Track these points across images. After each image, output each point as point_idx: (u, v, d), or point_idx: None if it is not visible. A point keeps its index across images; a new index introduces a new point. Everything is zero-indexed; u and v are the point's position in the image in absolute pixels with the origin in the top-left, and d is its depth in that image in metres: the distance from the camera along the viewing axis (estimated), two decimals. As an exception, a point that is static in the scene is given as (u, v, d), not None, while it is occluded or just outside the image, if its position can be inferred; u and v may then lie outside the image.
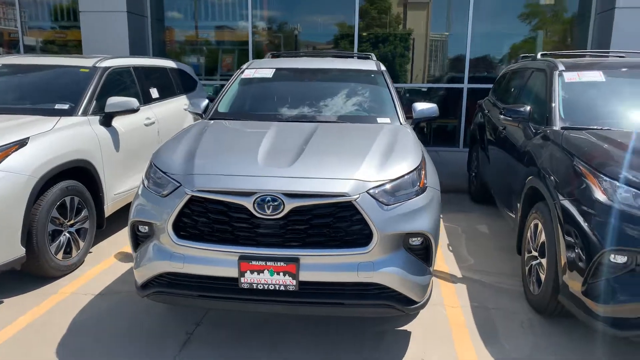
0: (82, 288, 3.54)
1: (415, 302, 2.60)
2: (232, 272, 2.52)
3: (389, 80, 4.14)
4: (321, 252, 2.48)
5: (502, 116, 3.97)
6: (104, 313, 3.21)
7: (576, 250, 2.68)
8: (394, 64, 8.95)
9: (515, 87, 4.97)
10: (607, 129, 3.34)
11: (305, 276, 2.48)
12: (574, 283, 2.70)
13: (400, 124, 3.69)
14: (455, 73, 8.92)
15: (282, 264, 2.46)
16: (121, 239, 4.50)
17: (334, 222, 2.49)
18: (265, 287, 2.50)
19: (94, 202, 4.03)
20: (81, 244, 3.90)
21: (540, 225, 3.18)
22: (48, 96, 4.27)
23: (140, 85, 5.12)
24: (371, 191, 2.52)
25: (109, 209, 4.29)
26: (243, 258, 2.49)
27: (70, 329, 3.01)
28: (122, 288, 3.54)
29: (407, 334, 2.97)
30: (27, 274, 3.54)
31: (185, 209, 2.57)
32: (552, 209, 2.90)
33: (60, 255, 3.65)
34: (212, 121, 3.68)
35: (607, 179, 2.67)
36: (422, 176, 2.77)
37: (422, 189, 2.70)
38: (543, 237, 3.11)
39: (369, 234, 2.50)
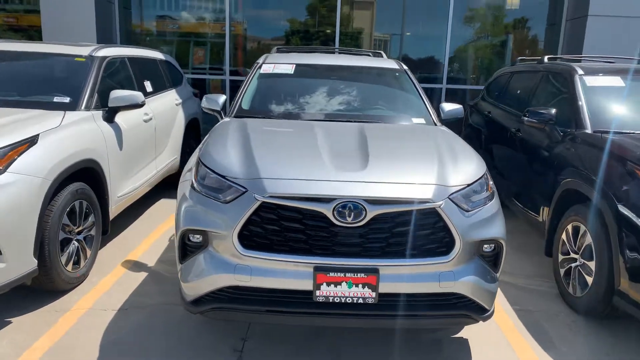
0: (98, 303, 3.19)
1: (487, 310, 2.52)
2: (306, 285, 2.33)
3: (414, 79, 4.05)
4: (402, 262, 2.35)
5: (525, 118, 3.99)
6: (133, 331, 2.90)
7: (636, 255, 2.72)
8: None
9: (522, 89, 5.04)
10: (640, 133, 3.42)
11: (385, 288, 2.33)
12: (634, 286, 2.74)
13: (435, 124, 3.61)
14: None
15: (362, 275, 2.30)
16: (122, 245, 4.13)
17: (416, 230, 2.36)
18: (342, 300, 2.33)
19: (99, 205, 3.66)
20: (88, 252, 3.52)
21: (582, 228, 3.21)
22: (42, 88, 3.82)
23: (135, 78, 4.72)
24: (452, 197, 2.42)
25: (112, 212, 3.92)
26: (319, 269, 2.30)
27: (101, 351, 2.69)
28: (146, 301, 3.22)
29: (465, 342, 2.90)
30: (28, 288, 3.13)
31: (254, 216, 2.34)
32: (607, 213, 2.93)
33: (70, 266, 3.27)
34: (245, 119, 3.41)
35: None
36: (490, 180, 2.70)
37: (492, 194, 2.63)
38: (588, 240, 3.14)
39: (449, 242, 2.39)
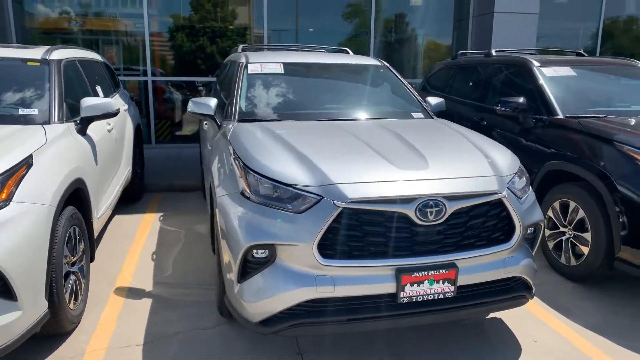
0: (114, 341, 2.81)
1: (532, 289, 2.71)
2: (390, 288, 2.30)
3: (398, 74, 4.15)
4: (475, 254, 2.42)
5: (498, 107, 4.31)
6: (175, 364, 2.61)
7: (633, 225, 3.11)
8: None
9: (474, 81, 5.41)
10: (604, 117, 3.89)
11: (461, 280, 2.39)
12: (632, 251, 3.14)
13: (432, 117, 3.75)
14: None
15: (443, 271, 2.33)
16: (102, 272, 3.66)
17: (486, 221, 2.45)
18: (424, 298, 2.35)
19: (87, 230, 3.21)
20: (82, 285, 3.08)
21: (572, 204, 3.58)
22: (-4, 98, 3.23)
23: (89, 83, 4.19)
24: (509, 185, 2.55)
25: (94, 235, 3.46)
26: (403, 271, 2.29)
27: (154, 392, 2.39)
28: (169, 330, 2.91)
29: (500, 320, 3.08)
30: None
31: (333, 224, 2.24)
32: (603, 190, 3.29)
33: (71, 304, 2.83)
34: (262, 124, 3.21)
35: None
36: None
37: (528, 180, 2.82)
38: (580, 215, 3.51)
39: (509, 229, 2.52)
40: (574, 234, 3.60)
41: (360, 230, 2.27)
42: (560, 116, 3.96)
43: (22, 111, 3.12)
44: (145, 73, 8.33)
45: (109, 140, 4.04)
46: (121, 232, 4.56)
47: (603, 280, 3.60)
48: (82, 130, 3.40)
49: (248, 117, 3.39)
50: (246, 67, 3.82)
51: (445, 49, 10.00)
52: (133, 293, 3.39)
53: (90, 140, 3.50)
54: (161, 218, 5.02)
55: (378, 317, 2.33)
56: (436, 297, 2.36)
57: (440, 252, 2.37)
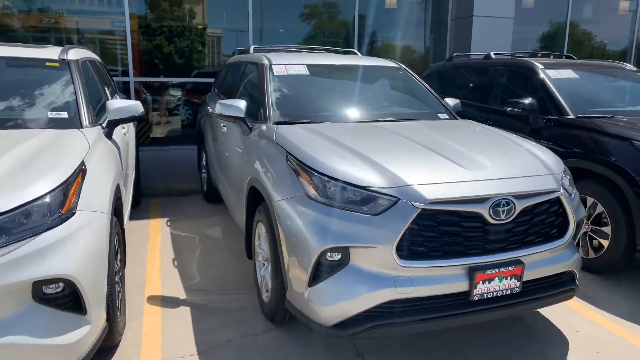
0: (167, 352, 2.71)
1: (577, 282, 2.83)
2: (463, 286, 2.35)
3: (416, 76, 4.23)
4: (537, 250, 2.51)
5: (509, 108, 4.47)
6: (238, 372, 2.56)
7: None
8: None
9: (473, 82, 5.57)
10: (612, 117, 4.10)
11: (526, 276, 2.47)
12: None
13: (456, 118, 3.84)
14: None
15: (512, 267, 2.41)
16: (127, 282, 3.51)
17: (546, 218, 2.54)
18: (494, 294, 2.41)
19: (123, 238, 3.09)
20: (123, 295, 2.95)
21: (590, 200, 3.76)
22: (19, 101, 3.04)
23: (100, 84, 4.02)
24: (562, 183, 2.65)
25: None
26: (476, 269, 2.34)
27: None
28: (220, 338, 2.84)
29: (537, 313, 3.20)
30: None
31: (411, 225, 2.26)
32: (625, 187, 3.48)
33: (118, 315, 2.71)
34: (307, 125, 3.19)
35: None
36: None
37: (572, 178, 2.94)
38: (599, 210, 3.70)
39: (564, 225, 2.63)
40: (592, 228, 3.78)
41: (436, 231, 2.31)
42: (572, 116, 4.15)
43: (51, 115, 2.96)
44: (124, 73, 8.03)
45: (124, 143, 3.88)
46: (132, 238, 4.39)
47: (619, 272, 3.81)
48: (109, 134, 3.26)
49: (284, 119, 3.35)
50: (271, 68, 3.78)
51: (423, 52, 10.22)
52: (168, 302, 3.28)
53: (115, 144, 3.35)
54: (168, 223, 4.88)
55: (451, 316, 2.37)
56: (504, 293, 2.43)
57: (508, 249, 2.44)
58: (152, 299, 3.31)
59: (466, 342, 2.84)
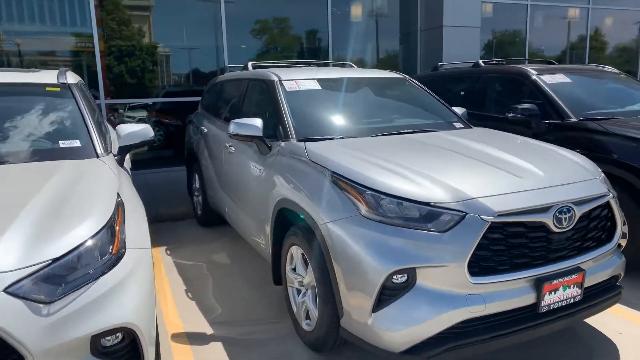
0: (212, 394, 2.49)
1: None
2: (530, 299, 2.29)
3: (422, 86, 4.20)
4: (592, 255, 2.49)
5: (510, 114, 4.52)
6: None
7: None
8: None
9: (466, 90, 5.64)
10: (612, 118, 4.22)
11: (586, 282, 2.44)
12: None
13: (470, 127, 3.83)
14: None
15: (574, 276, 2.37)
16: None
17: (599, 222, 2.53)
18: (559, 304, 2.36)
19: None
20: (151, 336, 2.70)
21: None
22: (24, 130, 2.76)
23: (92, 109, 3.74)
24: (607, 187, 2.65)
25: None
26: (543, 280, 2.29)
27: None
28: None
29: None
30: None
31: (481, 240, 2.18)
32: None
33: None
34: (335, 141, 3.07)
35: None
36: None
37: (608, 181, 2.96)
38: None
39: (612, 229, 2.63)
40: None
41: (505, 244, 2.24)
42: (574, 119, 4.25)
43: (63, 144, 2.70)
44: (94, 96, 7.60)
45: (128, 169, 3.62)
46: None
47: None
48: (121, 161, 3.01)
49: (306, 135, 3.21)
50: (281, 84, 3.64)
51: (393, 62, 10.35)
52: (195, 339, 3.04)
53: (127, 172, 3.11)
54: (168, 252, 4.59)
55: (521, 330, 2.30)
56: (567, 303, 2.39)
57: (567, 257, 2.41)
58: (177, 337, 3.05)
59: (520, 355, 2.77)
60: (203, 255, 4.47)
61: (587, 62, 11.52)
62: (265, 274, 3.94)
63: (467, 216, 2.20)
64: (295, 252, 2.88)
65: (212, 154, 4.61)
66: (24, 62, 7.38)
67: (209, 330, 3.14)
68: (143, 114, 8.32)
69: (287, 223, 3.01)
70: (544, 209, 2.30)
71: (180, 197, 6.06)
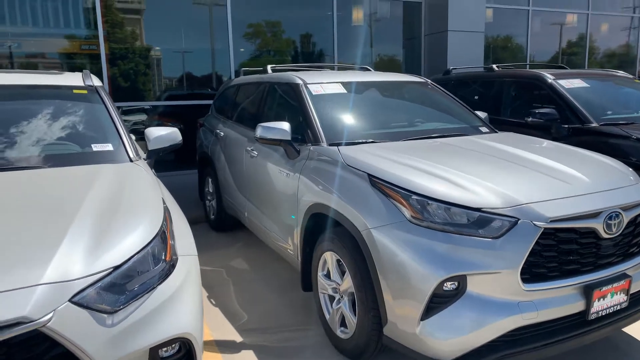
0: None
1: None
2: (580, 306, 2.26)
3: (445, 90, 4.18)
4: (637, 261, 2.47)
5: (530, 119, 4.51)
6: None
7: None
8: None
9: (481, 94, 5.63)
10: (633, 123, 4.23)
11: (632, 289, 2.42)
12: None
13: (496, 132, 3.81)
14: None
15: (622, 282, 2.34)
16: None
17: (641, 227, 2.51)
18: (606, 311, 2.34)
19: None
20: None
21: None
22: (49, 132, 2.69)
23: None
24: (642, 191, 2.64)
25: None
26: (593, 286, 2.26)
27: None
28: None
29: (608, 324, 3.16)
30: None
31: (534, 246, 2.15)
32: None
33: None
34: (367, 146, 3.02)
35: None
36: None
37: None
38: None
39: (648, 232, 2.61)
40: (631, 232, 3.84)
41: (556, 250, 2.21)
42: (595, 124, 4.25)
43: (95, 147, 2.63)
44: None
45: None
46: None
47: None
48: (151, 166, 2.95)
49: (337, 139, 3.16)
50: (307, 87, 3.60)
51: (396, 66, 10.35)
52: (226, 347, 2.97)
53: (157, 177, 3.04)
54: (184, 257, 4.51)
55: (570, 337, 2.27)
56: (614, 309, 2.36)
57: (614, 263, 2.38)
58: (207, 345, 2.98)
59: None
60: (220, 261, 4.40)
61: (586, 67, 11.63)
62: (287, 280, 3.89)
63: (519, 222, 2.16)
64: (330, 258, 2.83)
65: (229, 157, 4.55)
66: (23, 64, 7.26)
67: (237, 337, 3.08)
68: (142, 117, 8.21)
69: (319, 228, 2.96)
70: (594, 215, 2.27)
71: (191, 201, 5.98)
